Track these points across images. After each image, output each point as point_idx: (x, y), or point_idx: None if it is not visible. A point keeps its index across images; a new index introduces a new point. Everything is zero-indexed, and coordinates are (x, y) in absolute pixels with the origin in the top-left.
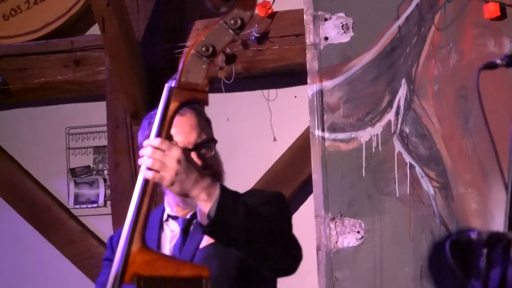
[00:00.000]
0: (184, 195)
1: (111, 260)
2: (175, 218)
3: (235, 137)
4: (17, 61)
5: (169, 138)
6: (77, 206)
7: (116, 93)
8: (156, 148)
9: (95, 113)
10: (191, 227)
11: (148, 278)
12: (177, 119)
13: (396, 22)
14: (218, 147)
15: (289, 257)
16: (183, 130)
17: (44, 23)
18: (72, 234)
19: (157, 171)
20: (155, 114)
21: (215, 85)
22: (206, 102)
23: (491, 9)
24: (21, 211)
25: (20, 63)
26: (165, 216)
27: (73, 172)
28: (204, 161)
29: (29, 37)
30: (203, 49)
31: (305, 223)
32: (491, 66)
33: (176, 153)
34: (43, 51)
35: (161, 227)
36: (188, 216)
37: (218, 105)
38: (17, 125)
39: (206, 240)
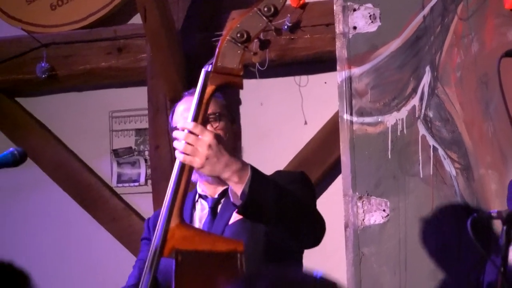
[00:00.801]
0: (215, 177)
1: (148, 239)
2: (205, 197)
3: (268, 121)
4: (63, 48)
5: (206, 120)
6: (120, 185)
7: (156, 79)
8: (190, 132)
9: (136, 97)
10: (219, 206)
11: (185, 252)
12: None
13: (421, 12)
14: (252, 130)
15: (315, 230)
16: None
17: (88, 13)
18: (115, 211)
19: (189, 155)
20: (187, 100)
21: (249, 71)
22: (240, 86)
23: None
24: (67, 190)
25: (66, 50)
26: (196, 197)
27: (116, 152)
28: None
29: (74, 26)
30: (238, 35)
31: (333, 202)
32: (511, 54)
33: (207, 138)
34: (87, 39)
35: (193, 207)
36: (216, 196)
37: (252, 90)
38: (64, 109)
39: (234, 217)
